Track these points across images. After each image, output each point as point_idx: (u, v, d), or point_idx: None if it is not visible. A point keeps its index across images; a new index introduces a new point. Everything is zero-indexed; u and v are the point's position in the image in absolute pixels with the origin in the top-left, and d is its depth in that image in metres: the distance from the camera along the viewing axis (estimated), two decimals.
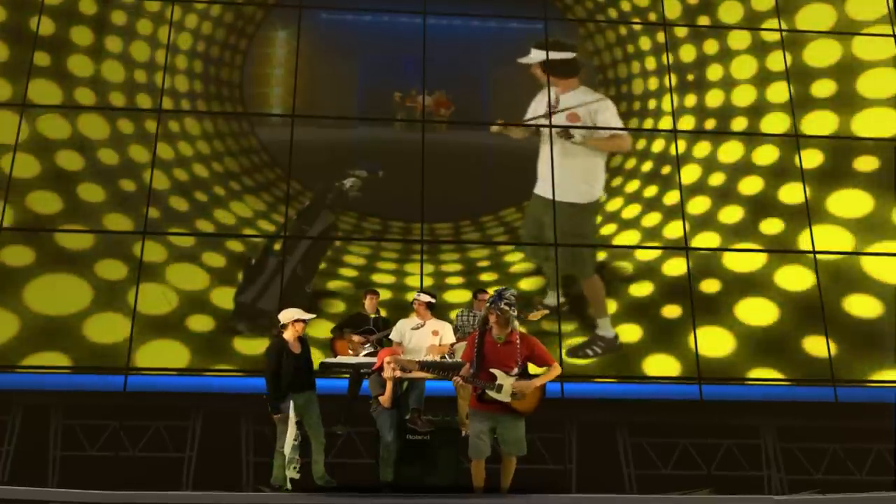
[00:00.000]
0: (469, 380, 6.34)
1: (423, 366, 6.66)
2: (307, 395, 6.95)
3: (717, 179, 10.99)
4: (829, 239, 10.76)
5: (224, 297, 10.02)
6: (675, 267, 10.57)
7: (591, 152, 10.99)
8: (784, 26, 11.73)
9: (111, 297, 9.83)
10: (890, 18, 11.90)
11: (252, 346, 9.88)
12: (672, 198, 10.87)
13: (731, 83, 11.44)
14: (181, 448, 9.52)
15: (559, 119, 11.12)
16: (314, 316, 7.24)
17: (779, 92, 11.41)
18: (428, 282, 10.28)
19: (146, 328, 9.76)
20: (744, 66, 11.54)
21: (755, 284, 10.53)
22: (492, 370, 6.35)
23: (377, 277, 10.27)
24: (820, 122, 11.30)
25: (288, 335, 7.05)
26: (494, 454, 6.45)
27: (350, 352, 7.56)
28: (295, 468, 6.80)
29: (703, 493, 8.41)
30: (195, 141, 10.66)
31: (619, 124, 11.19)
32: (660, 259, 10.60)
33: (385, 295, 10.12)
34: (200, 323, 9.88)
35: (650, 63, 11.53)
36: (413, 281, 10.28)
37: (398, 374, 6.79)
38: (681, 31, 11.67)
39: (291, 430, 6.86)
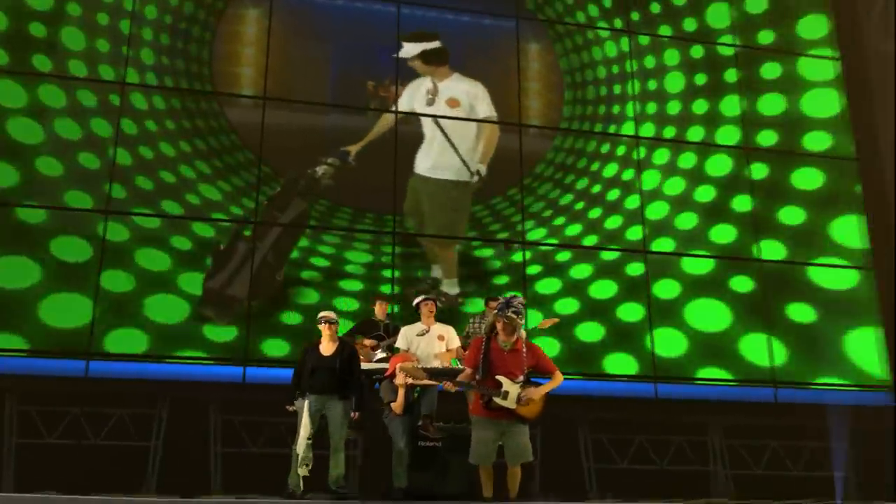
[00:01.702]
0: (476, 386, 6.42)
1: (433, 374, 6.73)
2: (327, 399, 6.85)
3: (674, 186, 11.47)
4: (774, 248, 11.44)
5: (192, 282, 9.74)
6: (636, 268, 11.00)
7: (467, 134, 11.13)
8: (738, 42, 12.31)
9: (73, 279, 9.41)
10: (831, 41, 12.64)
11: (220, 334, 9.66)
12: (633, 202, 11.27)
13: (690, 93, 11.93)
14: (146, 437, 9.24)
15: (440, 105, 11.12)
16: (327, 314, 7.12)
17: (732, 105, 12.01)
18: (398, 274, 10.31)
19: (110, 311, 9.40)
20: (702, 78, 12.06)
21: (707, 289, 11.08)
22: (497, 377, 6.45)
23: (349, 268, 10.21)
24: (768, 138, 11.95)
25: (322, 335, 7.01)
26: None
27: (361, 358, 7.49)
28: (307, 466, 6.74)
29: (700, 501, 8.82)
30: (162, 118, 10.27)
31: (494, 113, 11.35)
32: (620, 261, 10.99)
33: (355, 286, 10.14)
34: (167, 308, 9.58)
35: (615, 68, 11.87)
36: (385, 272, 10.28)
37: (410, 380, 6.82)
38: (645, 39, 12.04)
39: (304, 430, 6.79)
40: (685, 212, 11.39)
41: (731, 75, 12.16)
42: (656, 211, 11.30)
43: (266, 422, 9.56)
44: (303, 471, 6.74)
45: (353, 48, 11.15)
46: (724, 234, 11.39)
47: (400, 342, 7.31)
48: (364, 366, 7.25)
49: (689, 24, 12.29)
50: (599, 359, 10.50)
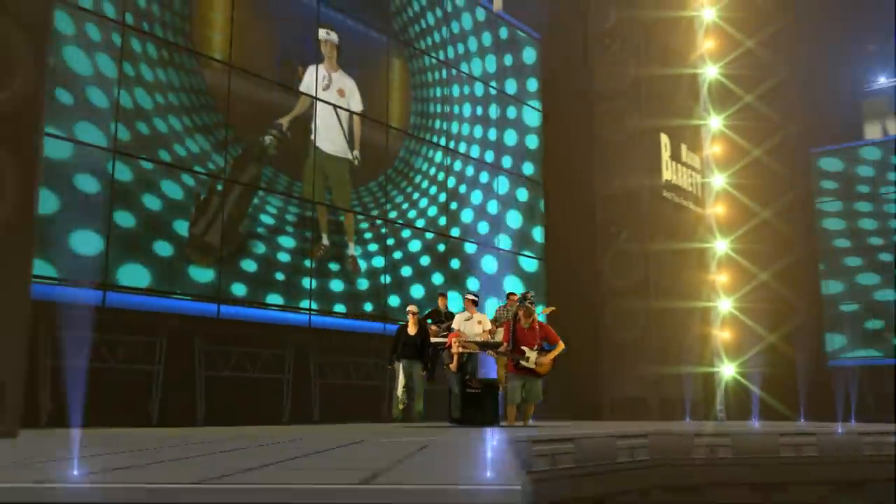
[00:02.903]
0: (507, 354, 10.38)
1: (481, 346, 10.41)
2: (411, 362, 10.22)
3: (462, 189, 15.92)
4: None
5: (181, 227, 10.99)
6: (441, 246, 15.23)
7: (346, 121, 14.04)
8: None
9: (87, 213, 9.98)
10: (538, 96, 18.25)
11: (203, 275, 11.19)
12: (442, 197, 15.40)
13: (476, 119, 16.39)
14: (151, 361, 10.50)
15: (332, 93, 14.05)
16: (412, 307, 10.28)
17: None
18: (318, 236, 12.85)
19: (119, 247, 10.26)
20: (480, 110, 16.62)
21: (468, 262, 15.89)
22: (522, 347, 10.47)
23: (286, 227, 12.41)
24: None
25: (409, 321, 10.07)
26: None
27: (431, 334, 10.57)
28: (401, 406, 9.97)
29: None
30: (155, 67, 10.96)
31: (363, 107, 14.70)
32: (433, 241, 15.08)
33: (289, 242, 12.47)
34: (162, 248, 10.75)
35: (437, 91, 15.67)
36: (307, 233, 12.72)
37: (461, 349, 10.37)
38: (466, 67, 16.04)
39: (399, 381, 10.00)
40: (465, 208, 15.94)
41: (493, 111, 16.94)
42: (453, 206, 15.62)
43: (234, 350, 11.57)
44: (401, 406, 9.96)
45: (289, 33, 12.94)
46: (483, 227, 16.27)
47: (454, 325, 10.64)
48: (433, 339, 10.51)
49: (490, 64, 16.71)
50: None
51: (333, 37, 13.56)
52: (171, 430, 9.35)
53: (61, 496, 2.99)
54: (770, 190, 17.86)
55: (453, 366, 10.41)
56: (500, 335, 10.80)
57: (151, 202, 10.72)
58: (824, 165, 21.46)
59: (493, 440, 6.37)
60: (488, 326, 10.97)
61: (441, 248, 15.26)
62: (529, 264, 17.26)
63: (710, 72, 18.24)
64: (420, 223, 14.90)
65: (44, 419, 9.38)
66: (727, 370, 17.37)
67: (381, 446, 5.87)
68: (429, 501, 2.82)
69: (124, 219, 10.38)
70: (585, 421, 14.11)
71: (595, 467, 9.04)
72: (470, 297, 10.95)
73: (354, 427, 10.70)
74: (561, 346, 10.59)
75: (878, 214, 20.81)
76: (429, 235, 15.04)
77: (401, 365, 10.21)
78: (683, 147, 17.32)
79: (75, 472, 3.56)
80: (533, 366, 10.30)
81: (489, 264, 16.27)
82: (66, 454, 4.81)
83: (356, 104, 14.03)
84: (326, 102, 13.39)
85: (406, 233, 14.61)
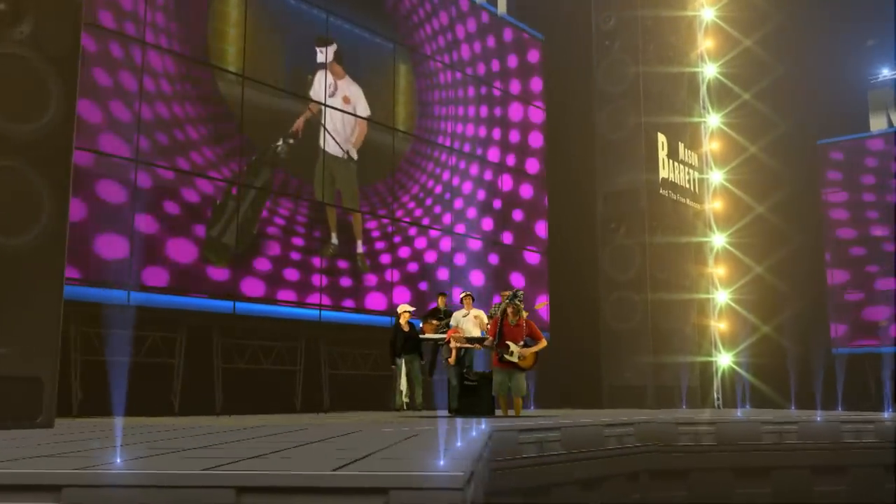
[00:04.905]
0: (493, 348, 11.12)
1: (471, 341, 11.16)
2: (411, 356, 11.08)
3: (467, 188, 16.64)
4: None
5: (198, 229, 11.80)
6: (446, 244, 15.97)
7: (349, 124, 14.79)
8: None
9: (113, 219, 10.80)
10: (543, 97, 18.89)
11: (220, 274, 12.00)
12: (446, 195, 16.13)
13: (477, 121, 17.07)
14: (172, 355, 11.35)
15: (338, 100, 14.80)
16: (402, 306, 11.06)
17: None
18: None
19: (142, 249, 11.08)
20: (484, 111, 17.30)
21: (477, 261, 16.61)
22: (507, 342, 11.19)
23: (296, 228, 13.20)
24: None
25: (401, 320, 10.84)
26: None
27: (429, 329, 11.34)
28: (403, 397, 10.77)
29: None
30: (173, 80, 11.74)
31: (369, 112, 15.45)
32: (438, 237, 15.84)
33: (300, 242, 13.24)
34: (182, 250, 11.57)
35: (462, 93, 16.36)
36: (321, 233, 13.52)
37: (458, 345, 11.11)
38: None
39: (402, 375, 10.77)
40: (470, 206, 16.65)
41: (497, 111, 17.62)
42: (458, 203, 16.35)
43: (249, 343, 12.40)
44: (400, 399, 10.78)
45: (298, 43, 13.68)
46: (486, 223, 16.98)
47: (452, 321, 11.39)
48: (434, 336, 11.28)
49: (495, 65, 17.42)
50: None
51: (330, 51, 14.26)
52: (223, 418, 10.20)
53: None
54: (766, 185, 18.45)
55: (451, 359, 11.17)
56: None
57: (171, 207, 11.53)
58: (831, 156, 22.00)
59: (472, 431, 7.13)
60: (484, 321, 11.70)
61: (446, 244, 15.99)
62: (532, 259, 17.96)
63: (709, 70, 18.81)
64: (426, 221, 15.65)
65: (75, 409, 10.26)
66: (724, 360, 18.03)
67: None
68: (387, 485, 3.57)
69: (146, 223, 11.20)
70: (582, 409, 14.86)
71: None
72: (465, 295, 11.68)
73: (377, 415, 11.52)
74: (543, 342, 11.24)
75: (881, 205, 21.34)
76: (434, 233, 15.79)
77: (402, 361, 11.03)
78: (681, 145, 17.93)
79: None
80: (516, 360, 11.00)
81: (494, 259, 17.00)
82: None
83: (362, 109, 14.77)
84: (332, 108, 14.13)
85: (412, 230, 15.37)
